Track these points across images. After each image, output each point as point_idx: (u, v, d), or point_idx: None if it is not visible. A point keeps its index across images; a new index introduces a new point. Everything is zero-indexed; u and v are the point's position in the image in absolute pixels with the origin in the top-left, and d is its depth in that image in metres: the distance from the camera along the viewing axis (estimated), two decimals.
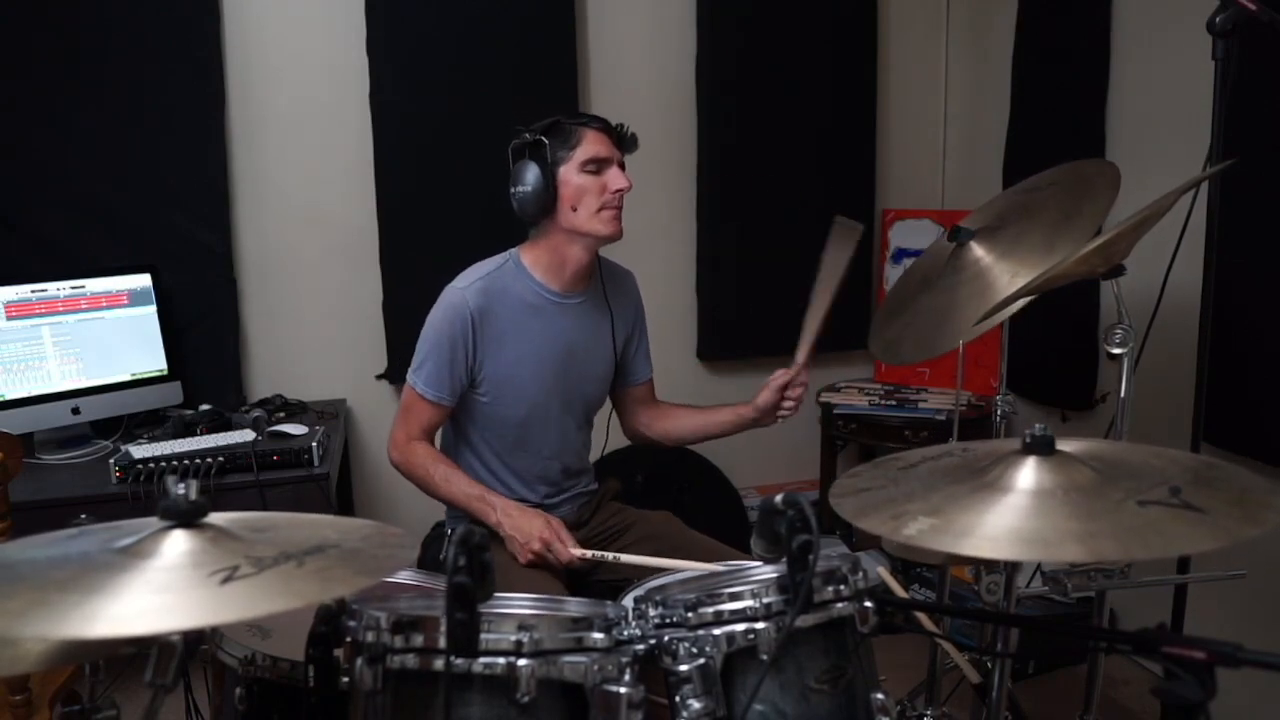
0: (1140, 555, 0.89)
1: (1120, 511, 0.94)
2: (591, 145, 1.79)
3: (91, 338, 2.52)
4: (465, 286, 1.83)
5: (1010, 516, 0.97)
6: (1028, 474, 1.02)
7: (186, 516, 0.92)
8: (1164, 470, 1.02)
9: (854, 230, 1.83)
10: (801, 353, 1.85)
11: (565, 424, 1.95)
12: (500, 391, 1.86)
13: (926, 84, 3.37)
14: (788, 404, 1.90)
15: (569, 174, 1.79)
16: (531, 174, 1.78)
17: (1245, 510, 0.92)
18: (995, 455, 1.07)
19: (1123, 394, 1.58)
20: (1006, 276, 1.65)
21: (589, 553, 1.77)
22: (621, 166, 1.83)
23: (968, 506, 1.00)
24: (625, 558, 1.73)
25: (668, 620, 1.15)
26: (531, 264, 1.88)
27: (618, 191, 1.80)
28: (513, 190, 1.81)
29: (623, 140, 1.84)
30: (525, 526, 1.76)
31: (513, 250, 1.91)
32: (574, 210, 1.80)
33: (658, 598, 1.18)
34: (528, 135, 1.81)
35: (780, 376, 1.88)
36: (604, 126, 1.82)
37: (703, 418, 2.07)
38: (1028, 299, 1.55)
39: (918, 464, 1.17)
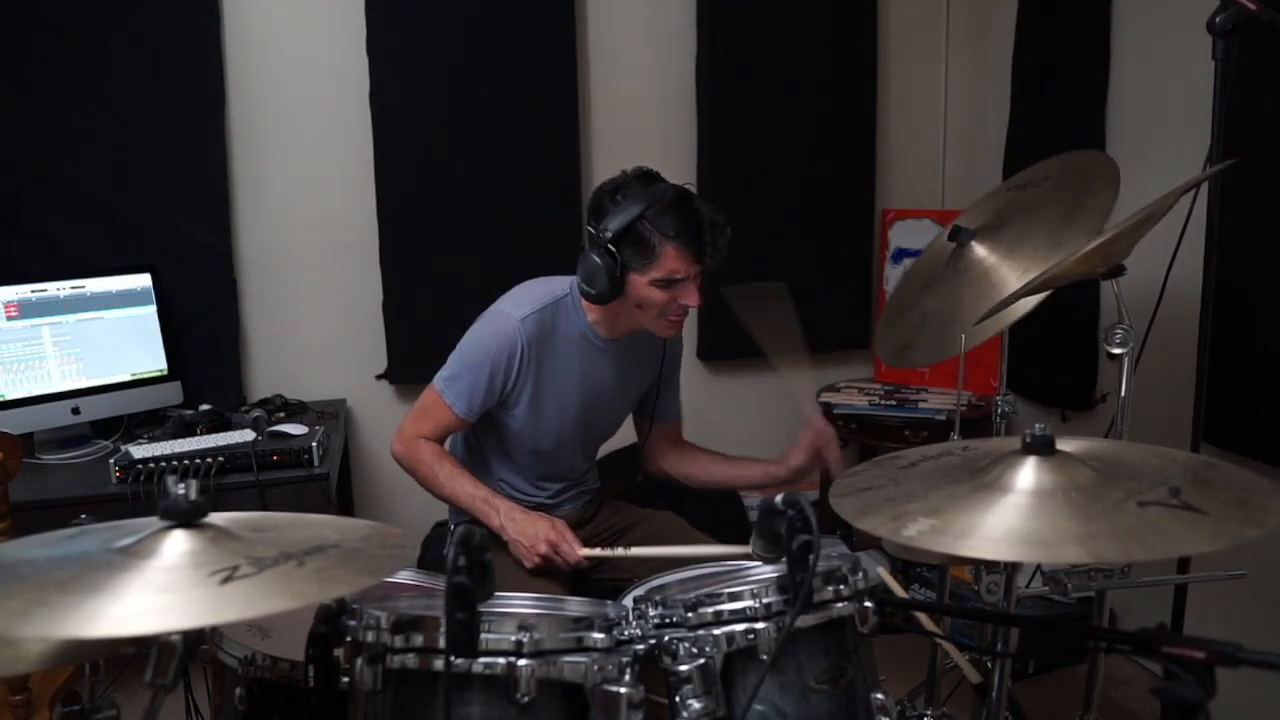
0: (1140, 557, 0.89)
1: (1120, 512, 0.94)
2: (669, 263, 1.66)
3: (91, 338, 2.52)
4: (522, 318, 1.77)
5: (1010, 517, 0.97)
6: (1028, 474, 1.02)
7: (186, 516, 0.92)
8: (1164, 470, 1.02)
9: (775, 290, 1.73)
10: (807, 412, 1.81)
11: (578, 452, 1.96)
12: (527, 418, 1.84)
13: (926, 84, 3.37)
14: (833, 461, 1.81)
15: (638, 281, 1.69)
16: (599, 271, 1.67)
17: (1245, 512, 0.92)
18: (995, 455, 1.07)
19: (1123, 394, 1.58)
20: (1013, 276, 1.65)
21: (595, 551, 1.75)
22: (698, 280, 1.72)
23: (967, 507, 1.00)
24: (634, 551, 1.72)
25: (668, 620, 1.15)
26: (588, 309, 1.82)
27: (686, 306, 1.73)
28: (580, 283, 1.74)
29: (702, 254, 1.69)
30: (530, 530, 1.74)
31: (574, 284, 1.81)
32: (638, 308, 1.74)
33: (658, 598, 1.18)
34: (606, 236, 1.66)
35: (811, 436, 1.82)
36: (687, 242, 1.66)
37: (731, 469, 2.02)
38: (1033, 298, 1.55)
39: (918, 463, 1.17)
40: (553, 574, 1.78)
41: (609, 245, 1.66)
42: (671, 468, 2.07)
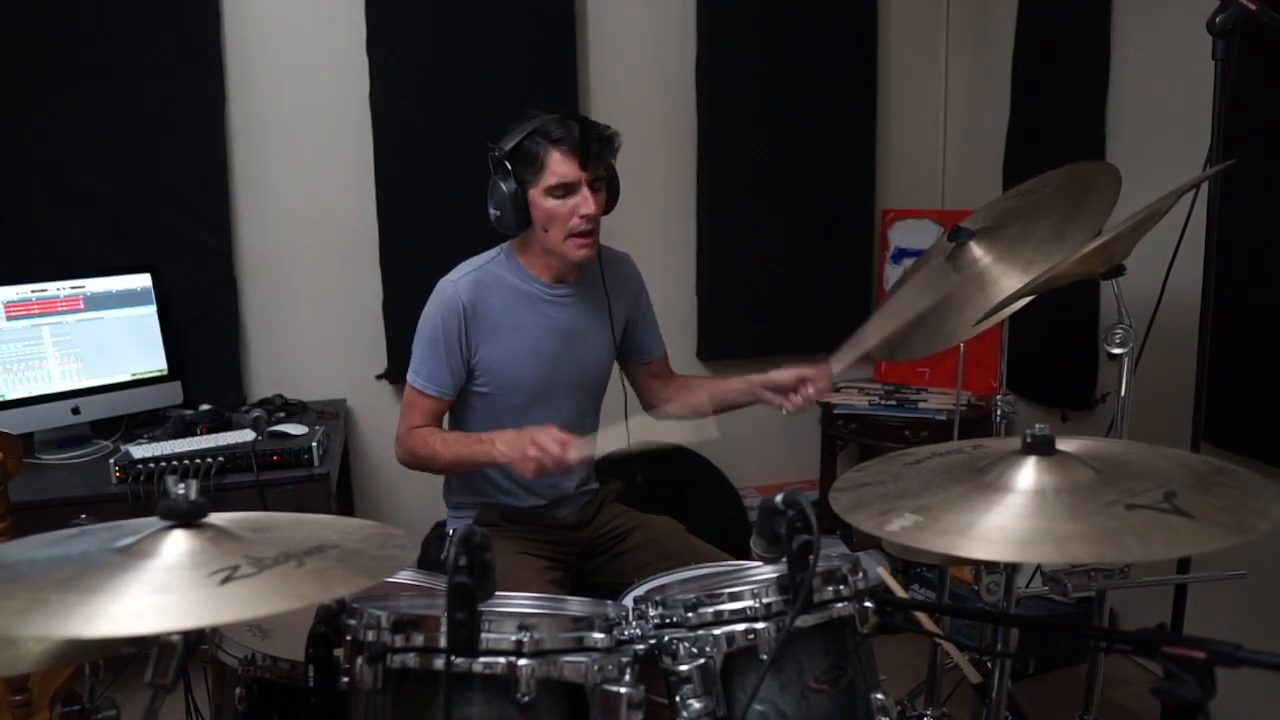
0: (1114, 559, 0.88)
1: (1106, 514, 0.92)
2: (556, 169, 1.72)
3: (91, 338, 2.52)
4: (457, 279, 1.84)
5: (994, 516, 0.96)
6: (1025, 474, 1.01)
7: (186, 516, 0.93)
8: (1168, 473, 1.00)
9: (954, 277, 1.74)
10: (840, 362, 1.79)
11: (569, 409, 1.94)
12: (499, 381, 1.86)
13: (926, 84, 3.37)
14: (798, 399, 1.83)
15: (537, 197, 1.75)
16: (504, 196, 1.76)
17: (1237, 518, 0.89)
18: (998, 454, 1.07)
19: (1123, 394, 1.58)
20: (1006, 276, 1.65)
21: (587, 448, 1.69)
22: (592, 185, 1.75)
23: (956, 506, 1.00)
24: (630, 436, 1.68)
25: (668, 620, 1.15)
26: (522, 257, 1.88)
27: (585, 216, 1.74)
28: (489, 208, 1.80)
29: (588, 158, 1.72)
30: (518, 443, 1.69)
31: (504, 244, 1.91)
32: (546, 231, 1.78)
33: (658, 598, 1.18)
34: (497, 154, 1.77)
35: (808, 370, 1.82)
36: (569, 145, 1.72)
37: (715, 385, 2.04)
38: (1027, 299, 1.55)
39: (924, 460, 1.17)
40: (555, 565, 1.77)
41: (505, 163, 1.75)
42: (670, 404, 2.07)
